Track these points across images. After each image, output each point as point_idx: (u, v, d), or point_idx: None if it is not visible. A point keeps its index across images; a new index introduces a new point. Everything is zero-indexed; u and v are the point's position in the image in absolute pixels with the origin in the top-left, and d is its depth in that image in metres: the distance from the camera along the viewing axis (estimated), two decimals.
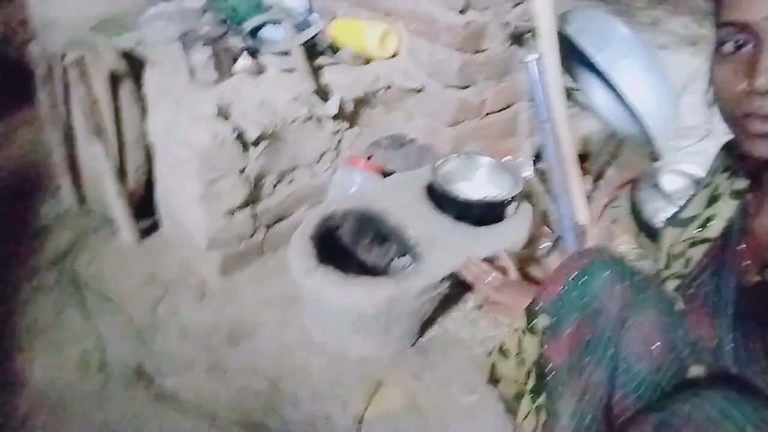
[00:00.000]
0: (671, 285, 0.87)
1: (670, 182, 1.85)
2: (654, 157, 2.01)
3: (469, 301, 1.54)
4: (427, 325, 1.44)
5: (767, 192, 0.73)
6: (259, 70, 1.66)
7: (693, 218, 0.87)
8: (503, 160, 1.68)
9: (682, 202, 1.81)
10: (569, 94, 1.91)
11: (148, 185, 1.73)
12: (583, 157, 2.00)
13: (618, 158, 2.15)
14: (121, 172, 1.66)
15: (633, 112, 1.92)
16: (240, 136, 1.43)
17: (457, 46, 1.61)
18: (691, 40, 3.82)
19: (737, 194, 0.81)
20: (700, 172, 1.89)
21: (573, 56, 1.84)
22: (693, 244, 0.85)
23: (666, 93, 1.88)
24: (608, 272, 0.86)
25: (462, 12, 1.57)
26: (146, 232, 1.76)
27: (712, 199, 0.85)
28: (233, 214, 1.52)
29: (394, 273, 1.49)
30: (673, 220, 0.92)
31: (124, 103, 1.62)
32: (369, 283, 1.25)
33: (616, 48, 1.76)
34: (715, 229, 0.82)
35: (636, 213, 1.86)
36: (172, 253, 1.69)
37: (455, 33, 1.59)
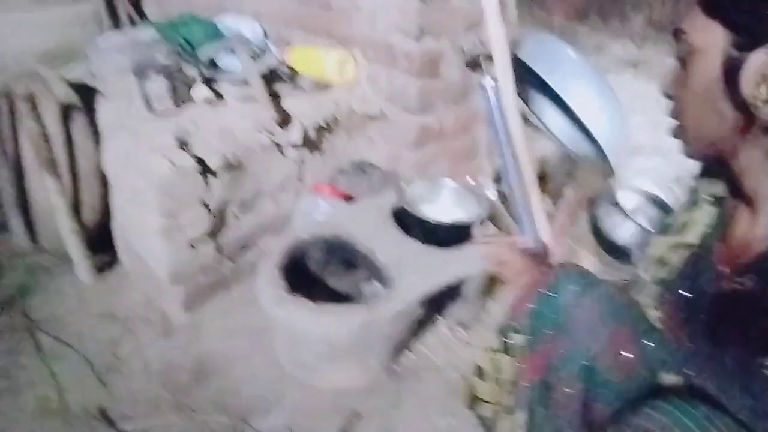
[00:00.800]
0: (653, 291, 0.87)
1: (627, 199, 1.91)
2: (609, 175, 2.08)
3: (450, 318, 1.54)
4: (400, 350, 1.43)
5: (744, 199, 0.73)
6: (217, 100, 1.64)
7: (676, 224, 0.87)
8: (466, 182, 1.70)
9: (639, 218, 1.89)
10: (524, 116, 1.97)
11: (105, 219, 1.67)
12: (542, 178, 2.05)
13: (575, 178, 2.21)
14: (76, 207, 1.60)
15: (586, 132, 1.99)
16: (201, 166, 1.41)
17: (414, 73, 1.63)
18: (632, 63, 4.03)
19: (716, 200, 0.81)
20: (655, 188, 1.97)
21: (526, 80, 1.90)
22: (673, 250, 0.85)
23: (616, 113, 1.95)
24: (576, 286, 0.87)
25: (418, 39, 1.60)
26: (104, 268, 1.69)
27: (693, 205, 0.84)
28: (196, 245, 1.48)
29: (366, 299, 1.48)
30: (660, 228, 0.92)
31: (77, 136, 1.57)
32: (340, 311, 1.24)
33: (567, 71, 1.82)
34: (694, 234, 0.82)
35: (596, 230, 1.91)
36: (131, 289, 1.63)
37: (412, 60, 1.62)
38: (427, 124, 1.74)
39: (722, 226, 0.78)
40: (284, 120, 1.61)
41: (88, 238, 1.63)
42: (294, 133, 1.58)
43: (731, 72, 0.64)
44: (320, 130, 1.69)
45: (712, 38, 0.66)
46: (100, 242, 1.69)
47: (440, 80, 1.70)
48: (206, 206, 1.47)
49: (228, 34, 1.96)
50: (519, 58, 1.80)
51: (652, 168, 2.47)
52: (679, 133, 0.75)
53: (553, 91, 1.90)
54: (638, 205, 1.99)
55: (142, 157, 1.41)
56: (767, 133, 0.65)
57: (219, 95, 1.65)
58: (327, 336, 1.23)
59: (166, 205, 1.38)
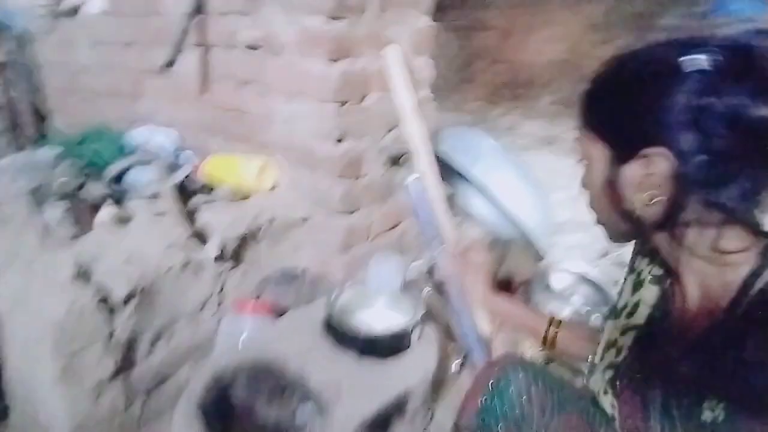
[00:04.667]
0: (606, 375, 0.86)
1: (559, 281, 1.90)
2: (538, 257, 2.08)
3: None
4: None
5: (684, 277, 0.74)
6: (126, 219, 1.52)
7: (624, 307, 0.88)
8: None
9: (574, 299, 1.88)
10: (450, 204, 1.97)
11: None
12: None
13: (506, 262, 2.20)
14: None
15: (511, 217, 2.00)
16: (105, 298, 1.26)
17: (337, 174, 1.59)
18: (547, 140, 4.24)
19: (657, 280, 0.83)
20: (584, 267, 1.98)
21: (449, 170, 1.91)
22: (623, 332, 0.86)
23: (538, 195, 1.99)
24: (522, 376, 0.88)
25: (338, 142, 1.57)
26: None
27: (637, 286, 0.86)
28: (101, 390, 1.30)
29: (300, 430, 1.33)
30: (610, 312, 0.93)
31: None
32: None
33: (487, 161, 1.85)
34: (641, 315, 0.83)
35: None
36: None
37: (334, 162, 1.58)
38: (353, 225, 1.68)
39: (665, 303, 0.80)
40: (201, 235, 1.51)
41: None
42: (212, 248, 1.47)
43: (614, 181, 0.73)
44: (241, 241, 1.59)
45: (597, 152, 0.74)
46: None
47: (364, 180, 1.67)
48: (113, 341, 1.30)
49: (140, 147, 1.87)
50: (441, 154, 1.82)
51: (577, 244, 2.51)
52: (597, 221, 0.82)
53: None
54: (571, 284, 1.98)
55: (37, 295, 1.25)
56: (651, 230, 0.73)
57: (127, 215, 1.53)
58: None
59: (64, 347, 1.21)
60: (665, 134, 0.65)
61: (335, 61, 1.51)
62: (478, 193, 2.16)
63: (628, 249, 2.50)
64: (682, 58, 0.64)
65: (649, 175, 0.68)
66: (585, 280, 1.90)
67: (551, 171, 3.32)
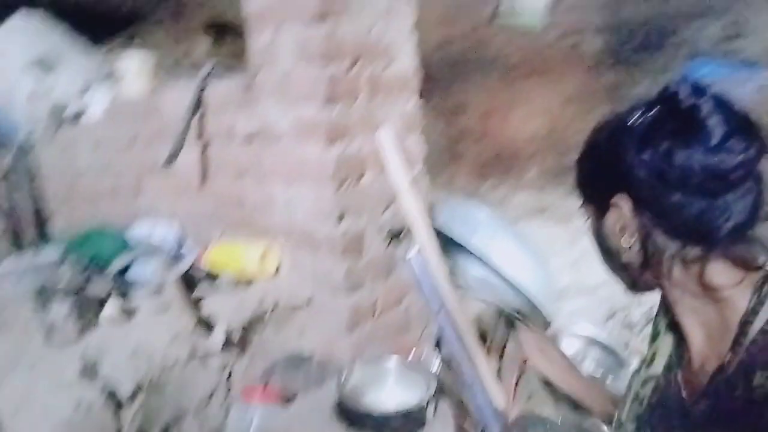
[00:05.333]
0: (629, 428, 0.85)
1: (569, 346, 1.87)
2: (545, 323, 2.06)
3: None
4: None
5: (684, 318, 0.76)
6: (131, 312, 1.52)
7: (644, 359, 0.89)
8: (408, 358, 1.61)
9: (586, 363, 1.84)
10: (453, 279, 1.97)
11: None
12: (481, 338, 2.00)
13: (513, 332, 2.18)
14: None
15: (515, 286, 2.01)
16: (111, 395, 1.24)
17: (338, 254, 1.61)
18: (539, 209, 4.32)
19: (671, 327, 0.84)
20: (593, 330, 1.96)
21: (448, 244, 1.93)
22: (644, 384, 0.86)
23: (539, 261, 2.00)
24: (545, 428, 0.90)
25: (338, 222, 1.60)
26: None
27: (654, 337, 0.88)
28: None
29: None
30: (638, 366, 0.93)
31: None
32: None
33: (485, 232, 1.88)
34: (659, 365, 0.84)
35: (547, 382, 1.84)
36: None
37: (336, 241, 1.60)
38: (358, 304, 1.68)
39: (680, 353, 0.80)
40: (206, 323, 1.50)
41: None
42: (217, 338, 1.46)
43: (601, 235, 0.78)
44: (246, 328, 1.58)
45: (588, 213, 0.81)
46: None
47: (366, 257, 1.69)
48: None
49: (141, 242, 1.90)
50: (439, 227, 1.85)
51: (581, 309, 2.50)
52: (610, 273, 0.84)
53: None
54: (580, 349, 1.95)
55: (42, 396, 1.23)
56: (644, 275, 0.76)
57: (132, 308, 1.53)
58: None
59: None
60: (623, 181, 0.72)
61: (331, 144, 1.57)
62: (478, 263, 2.17)
63: (634, 309, 2.49)
64: (630, 115, 0.73)
65: (620, 220, 0.74)
66: (595, 343, 1.88)
67: (546, 238, 3.36)
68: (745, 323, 0.66)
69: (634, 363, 1.84)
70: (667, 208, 0.70)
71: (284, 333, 1.71)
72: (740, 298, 0.68)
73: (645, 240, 0.73)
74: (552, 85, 4.96)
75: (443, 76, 4.85)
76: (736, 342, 0.66)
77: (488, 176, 5.52)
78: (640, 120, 0.71)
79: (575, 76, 4.82)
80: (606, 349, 1.84)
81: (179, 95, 1.98)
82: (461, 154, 5.48)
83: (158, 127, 2.06)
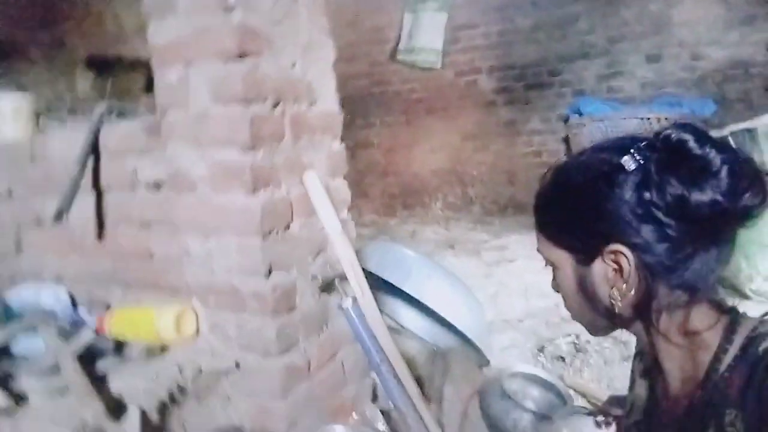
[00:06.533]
0: None
1: (512, 384, 1.84)
2: (483, 363, 2.02)
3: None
4: None
5: (664, 363, 0.76)
6: (19, 401, 1.25)
7: (628, 410, 0.90)
8: (351, 420, 1.48)
9: (527, 402, 1.82)
10: (386, 320, 1.89)
11: None
12: (418, 382, 1.91)
13: (450, 373, 2.12)
14: None
15: (447, 326, 1.96)
16: None
17: (269, 312, 1.46)
18: (448, 244, 4.37)
19: (646, 373, 0.85)
20: (531, 367, 1.95)
21: (377, 287, 1.85)
22: (628, 430, 0.86)
23: (472, 301, 1.97)
24: None
25: (266, 276, 1.45)
26: None
27: (632, 384, 0.89)
28: None
29: None
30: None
31: None
32: None
33: (418, 273, 1.82)
34: (638, 410, 0.85)
35: (492, 423, 1.78)
36: None
37: (265, 298, 1.45)
38: (292, 364, 1.52)
39: (654, 394, 0.81)
40: (116, 407, 1.27)
41: None
42: (131, 423, 1.24)
43: (583, 282, 0.75)
44: (164, 405, 1.37)
45: (560, 258, 0.77)
46: None
47: (298, 312, 1.55)
48: None
49: (26, 309, 1.62)
50: (370, 271, 1.76)
51: (510, 344, 2.50)
52: (573, 318, 0.83)
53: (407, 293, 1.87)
54: (518, 387, 1.93)
55: None
56: (629, 321, 0.75)
57: (20, 396, 1.26)
58: None
59: None
60: (623, 230, 0.69)
61: (256, 191, 1.43)
62: (406, 304, 2.11)
63: (560, 341, 2.52)
64: (623, 158, 0.69)
65: (617, 271, 0.71)
66: (534, 380, 1.86)
67: (460, 273, 3.37)
68: (715, 361, 0.68)
69: (575, 399, 1.84)
70: (679, 260, 0.68)
71: (209, 405, 1.51)
72: (713, 340, 0.69)
73: (645, 291, 0.70)
74: (452, 121, 5.13)
75: (347, 112, 4.85)
76: (706, 379, 0.68)
77: (393, 212, 5.55)
78: (638, 163, 0.68)
79: (473, 112, 5.02)
80: (546, 384, 1.83)
81: (67, 139, 1.74)
82: (367, 189, 5.48)
83: (42, 176, 1.79)
